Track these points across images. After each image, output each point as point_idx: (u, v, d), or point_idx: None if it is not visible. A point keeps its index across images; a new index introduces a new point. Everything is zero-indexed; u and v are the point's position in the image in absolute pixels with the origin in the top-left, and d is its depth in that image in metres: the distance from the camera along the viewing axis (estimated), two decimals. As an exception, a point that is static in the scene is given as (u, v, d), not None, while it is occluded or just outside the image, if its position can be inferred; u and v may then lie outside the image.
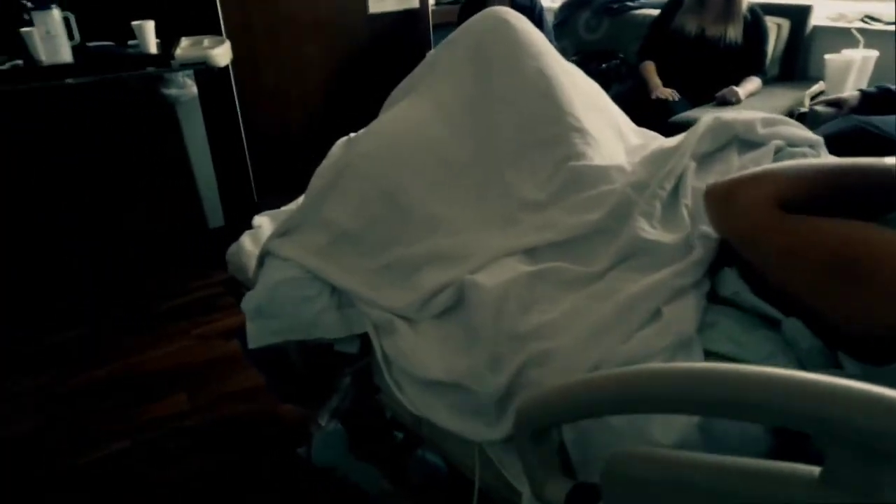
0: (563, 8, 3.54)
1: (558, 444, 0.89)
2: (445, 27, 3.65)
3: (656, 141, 1.53)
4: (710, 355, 0.94)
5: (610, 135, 1.34)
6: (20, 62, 2.56)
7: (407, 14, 3.36)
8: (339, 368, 1.44)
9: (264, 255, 1.42)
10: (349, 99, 3.32)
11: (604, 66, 3.23)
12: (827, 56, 2.60)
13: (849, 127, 2.11)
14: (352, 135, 1.69)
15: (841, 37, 2.76)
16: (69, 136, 3.03)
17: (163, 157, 3.00)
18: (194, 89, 2.86)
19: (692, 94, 2.73)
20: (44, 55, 2.51)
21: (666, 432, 0.84)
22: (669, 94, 2.71)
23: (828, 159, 1.08)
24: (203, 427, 2.00)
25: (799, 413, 0.53)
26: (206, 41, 2.76)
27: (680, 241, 1.03)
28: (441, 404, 1.08)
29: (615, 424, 0.87)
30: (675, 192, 1.10)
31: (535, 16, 3.17)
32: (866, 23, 2.79)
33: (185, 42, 2.73)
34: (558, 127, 1.27)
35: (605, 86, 3.17)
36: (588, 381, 0.73)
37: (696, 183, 1.10)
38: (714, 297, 1.02)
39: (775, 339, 0.96)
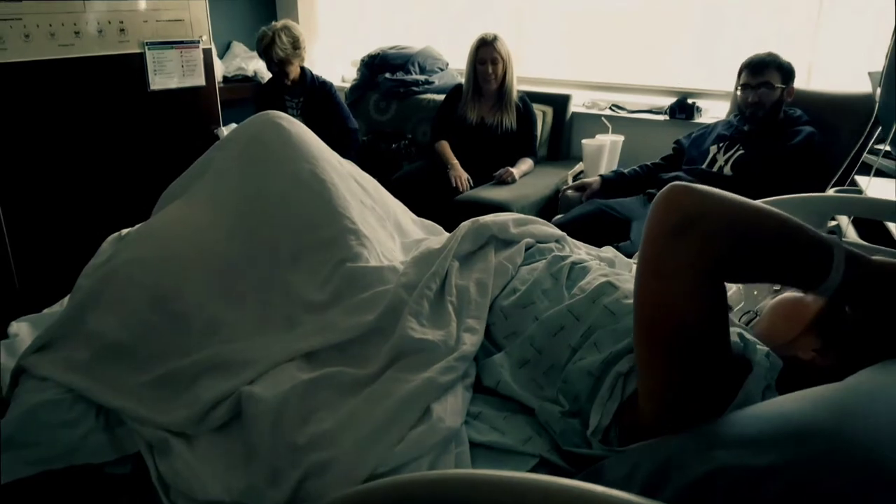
0: (353, 89, 3.68)
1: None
2: (242, 103, 3.63)
3: (435, 234, 1.63)
4: (475, 446, 1.01)
5: (385, 234, 1.41)
6: None
7: (193, 91, 3.28)
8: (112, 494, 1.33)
9: (18, 374, 1.29)
10: (125, 181, 3.14)
11: (394, 146, 3.39)
12: (583, 140, 2.95)
13: (592, 209, 2.42)
14: (123, 231, 1.61)
15: (594, 122, 3.15)
16: None
17: None
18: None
19: (474, 173, 2.95)
20: None
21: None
22: (465, 181, 2.91)
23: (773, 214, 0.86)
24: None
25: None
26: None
27: (446, 337, 1.10)
28: (220, 527, 1.04)
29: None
30: (441, 290, 1.18)
31: (330, 94, 3.24)
32: (614, 111, 3.22)
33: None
34: (333, 229, 1.30)
35: (397, 165, 3.34)
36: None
37: (460, 281, 1.19)
38: (478, 386, 1.10)
39: (533, 423, 1.06)
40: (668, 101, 3.11)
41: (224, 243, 1.28)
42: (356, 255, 1.27)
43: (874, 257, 0.86)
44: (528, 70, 3.47)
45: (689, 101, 3.03)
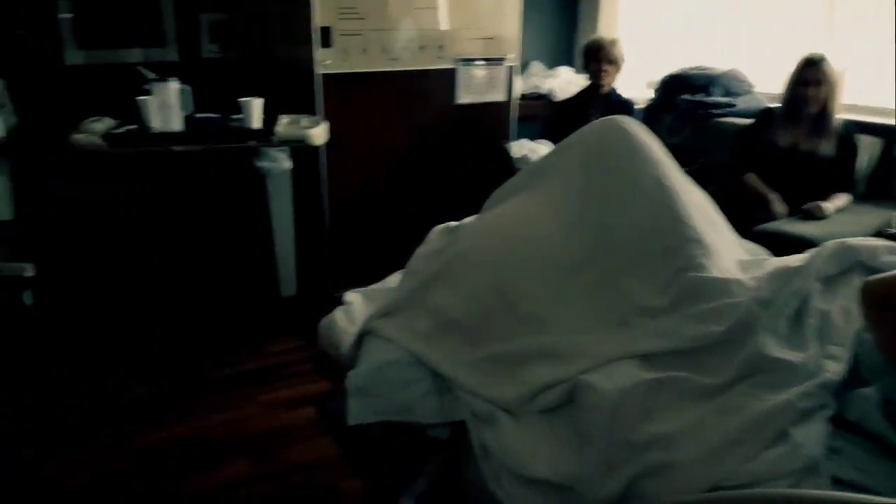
0: (647, 109, 3.62)
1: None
2: (531, 120, 3.78)
3: (761, 256, 1.52)
4: (835, 482, 0.91)
5: (723, 247, 1.35)
6: (135, 127, 2.75)
7: (492, 105, 3.49)
8: (423, 451, 1.43)
9: (365, 334, 1.45)
10: (431, 184, 3.44)
11: (686, 169, 3.25)
12: (921, 178, 2.56)
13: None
14: (451, 224, 1.74)
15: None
16: (161, 197, 3.22)
17: (247, 223, 3.13)
18: (286, 163, 3.00)
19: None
20: (157, 122, 2.70)
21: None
22: (783, 211, 2.70)
23: None
24: (263, 497, 1.98)
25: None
26: (304, 121, 2.91)
27: (806, 361, 1.01)
28: (541, 503, 1.06)
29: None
30: (799, 311, 1.09)
31: (628, 113, 3.22)
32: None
33: (284, 120, 2.89)
34: (676, 237, 1.29)
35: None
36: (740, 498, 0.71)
37: (821, 305, 1.09)
38: (838, 422, 0.99)
39: (899, 471, 0.92)
40: None
41: (562, 242, 1.33)
42: (699, 266, 1.24)
43: None
44: (855, 97, 3.11)
45: None
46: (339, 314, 1.72)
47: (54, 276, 3.18)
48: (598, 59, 3.16)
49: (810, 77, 2.75)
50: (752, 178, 2.85)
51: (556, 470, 1.04)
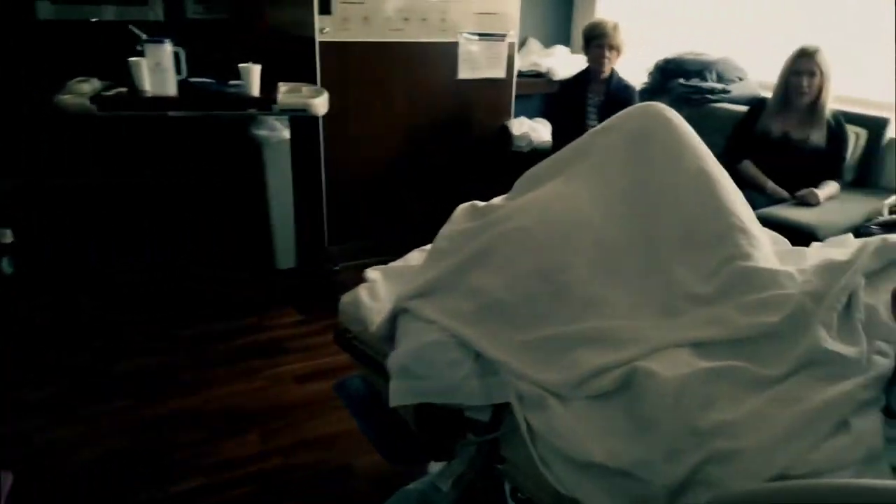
0: (641, 93, 3.64)
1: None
2: (527, 98, 3.78)
3: (778, 244, 1.56)
4: (895, 471, 0.95)
5: (764, 237, 1.38)
6: (124, 90, 2.65)
7: (492, 82, 3.47)
8: (455, 433, 1.44)
9: (398, 313, 1.45)
10: (429, 158, 3.42)
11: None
12: (910, 170, 2.66)
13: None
14: (478, 203, 1.73)
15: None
16: (156, 164, 3.12)
17: (242, 193, 3.07)
18: (284, 133, 2.94)
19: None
20: (149, 86, 2.60)
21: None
22: (785, 195, 2.78)
23: None
24: (274, 473, 1.98)
25: None
26: (305, 89, 2.85)
27: (856, 355, 1.05)
28: (597, 487, 1.08)
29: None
30: (848, 306, 1.13)
31: (630, 100, 3.23)
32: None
33: (283, 88, 2.82)
34: (722, 225, 1.31)
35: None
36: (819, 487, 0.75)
37: (868, 299, 1.13)
38: (888, 413, 1.04)
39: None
40: None
41: (607, 226, 1.33)
42: (747, 255, 1.26)
43: None
44: (844, 89, 3.19)
45: None
46: (363, 292, 1.70)
47: (38, 244, 3.08)
48: (600, 44, 3.16)
49: (804, 68, 2.81)
50: (748, 166, 2.92)
51: (614, 455, 1.06)
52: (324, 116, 2.87)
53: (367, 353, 1.59)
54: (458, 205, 1.72)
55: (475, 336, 1.30)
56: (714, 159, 1.43)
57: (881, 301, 1.13)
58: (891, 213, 2.60)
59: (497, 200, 1.68)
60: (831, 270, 1.19)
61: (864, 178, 3.00)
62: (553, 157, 1.58)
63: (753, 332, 1.13)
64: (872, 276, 1.19)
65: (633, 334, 1.20)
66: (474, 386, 1.29)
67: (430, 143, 3.40)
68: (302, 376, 2.44)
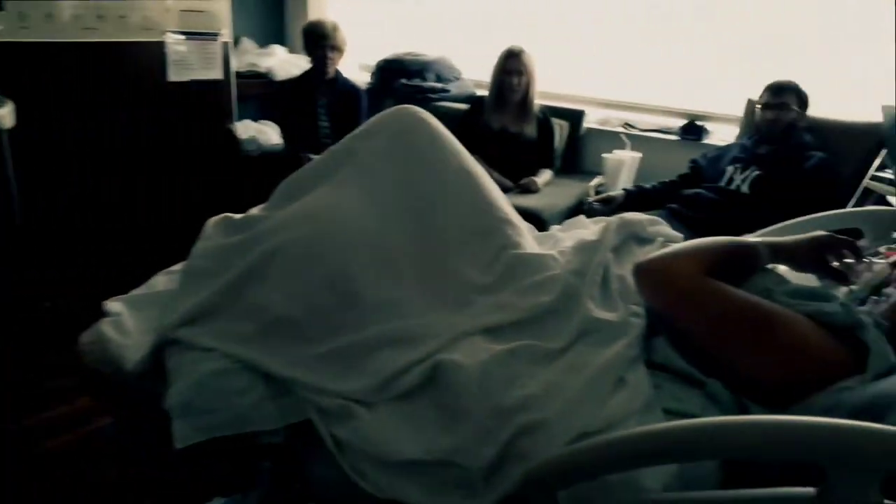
0: (369, 93, 3.72)
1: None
2: (248, 100, 3.62)
3: (536, 231, 1.71)
4: (666, 413, 1.10)
5: (524, 226, 1.49)
6: None
7: (209, 84, 3.26)
8: (247, 462, 1.34)
9: (164, 345, 1.29)
10: (147, 172, 3.10)
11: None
12: (604, 155, 3.10)
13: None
14: (233, 216, 1.61)
15: (607, 138, 3.32)
16: None
17: None
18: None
19: (496, 180, 3.06)
20: None
21: (654, 480, 0.97)
22: (510, 184, 3.02)
23: (712, 239, 1.29)
24: None
25: (821, 448, 0.75)
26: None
27: (619, 319, 1.20)
28: (414, 483, 1.08)
29: (610, 479, 0.97)
30: (605, 278, 1.28)
31: (356, 100, 3.29)
32: (626, 128, 3.40)
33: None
34: (490, 219, 1.40)
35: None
36: (616, 440, 0.90)
37: (617, 270, 1.30)
38: (648, 364, 1.20)
39: (701, 395, 1.16)
40: (676, 122, 3.30)
41: (385, 230, 1.33)
42: (516, 244, 1.36)
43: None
44: (543, 85, 3.60)
45: (698, 122, 3.23)
46: (107, 328, 1.47)
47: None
48: (322, 45, 3.16)
49: (512, 67, 3.12)
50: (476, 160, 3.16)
51: (428, 448, 1.06)
52: (9, 131, 2.44)
53: (131, 395, 1.39)
54: (191, 219, 1.59)
55: (261, 357, 1.21)
56: (469, 155, 1.51)
57: (626, 270, 1.30)
58: (597, 192, 3.01)
59: (255, 211, 1.58)
60: (586, 249, 1.34)
61: (571, 165, 3.43)
62: (314, 163, 1.53)
63: (534, 312, 1.22)
64: (617, 251, 1.37)
65: (429, 330, 1.21)
66: (269, 410, 1.20)
67: (147, 155, 3.09)
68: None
